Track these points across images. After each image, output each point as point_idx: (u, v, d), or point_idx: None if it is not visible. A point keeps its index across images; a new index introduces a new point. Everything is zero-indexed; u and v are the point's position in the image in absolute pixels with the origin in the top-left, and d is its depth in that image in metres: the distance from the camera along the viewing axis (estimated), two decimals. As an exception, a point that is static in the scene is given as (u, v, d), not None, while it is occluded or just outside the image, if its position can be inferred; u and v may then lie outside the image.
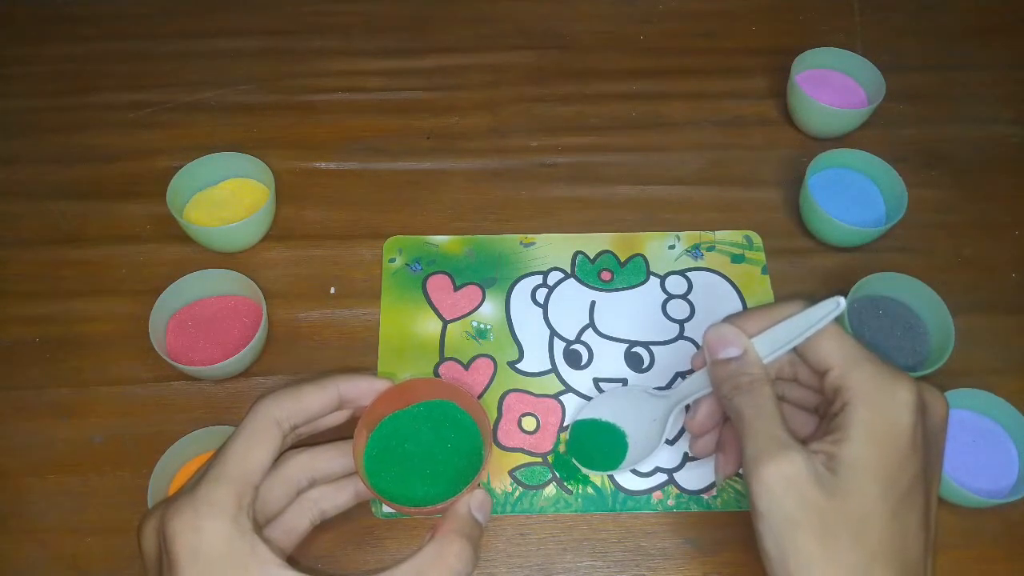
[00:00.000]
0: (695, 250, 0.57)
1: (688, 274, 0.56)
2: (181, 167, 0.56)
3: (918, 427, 0.36)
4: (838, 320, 0.38)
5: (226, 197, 0.58)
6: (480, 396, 0.52)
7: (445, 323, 0.54)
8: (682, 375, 0.52)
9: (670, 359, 0.53)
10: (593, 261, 0.57)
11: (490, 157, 0.62)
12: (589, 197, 0.60)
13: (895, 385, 0.36)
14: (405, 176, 0.61)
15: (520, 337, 0.54)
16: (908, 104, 0.65)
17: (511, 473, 0.49)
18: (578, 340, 0.54)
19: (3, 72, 0.67)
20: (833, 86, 0.64)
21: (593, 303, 0.55)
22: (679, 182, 0.61)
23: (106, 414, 0.51)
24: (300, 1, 0.71)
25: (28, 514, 0.48)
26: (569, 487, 0.49)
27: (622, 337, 0.54)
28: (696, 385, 0.44)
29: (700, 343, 0.53)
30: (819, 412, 0.42)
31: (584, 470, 0.48)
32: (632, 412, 0.48)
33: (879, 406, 0.36)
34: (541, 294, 0.55)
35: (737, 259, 0.57)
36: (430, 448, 0.43)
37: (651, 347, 0.54)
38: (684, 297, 0.55)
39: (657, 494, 0.48)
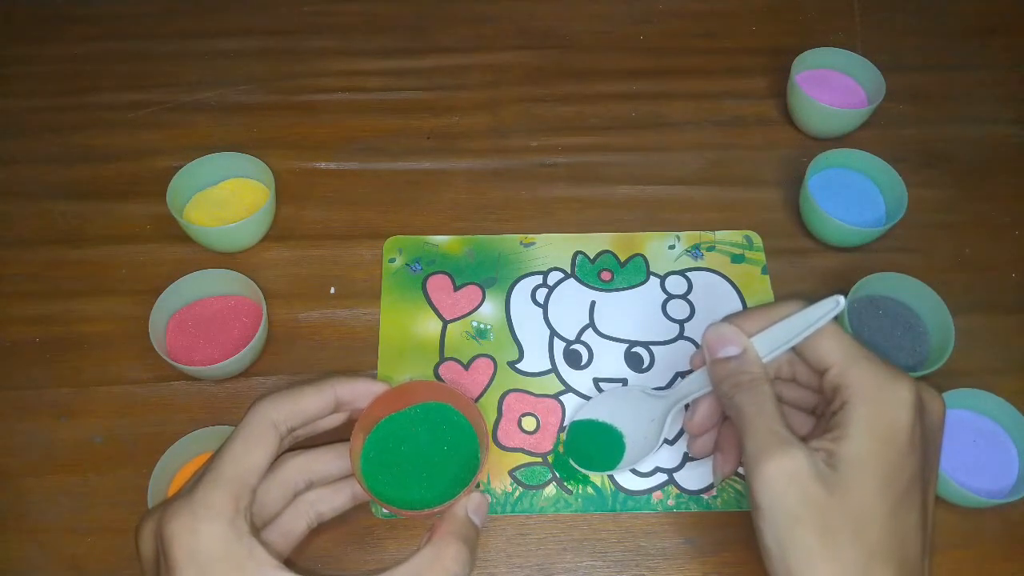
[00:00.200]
0: (695, 250, 0.57)
1: (688, 274, 0.56)
2: (181, 167, 0.56)
3: (917, 425, 0.36)
4: (837, 320, 0.38)
5: (226, 197, 0.58)
6: (480, 396, 0.52)
7: (445, 323, 0.54)
8: (682, 375, 0.52)
9: (670, 359, 0.53)
10: (593, 261, 0.57)
11: (490, 157, 0.62)
12: (589, 197, 0.60)
13: (895, 383, 0.36)
14: (405, 176, 0.61)
15: (520, 337, 0.54)
16: (908, 104, 0.65)
17: (511, 473, 0.49)
18: (578, 340, 0.54)
19: (3, 72, 0.67)
20: (833, 86, 0.64)
21: (593, 303, 0.55)
22: (679, 182, 0.61)
23: (106, 414, 0.51)
24: (300, 1, 0.71)
25: (28, 514, 0.48)
26: (569, 487, 0.49)
27: (622, 337, 0.54)
28: (695, 385, 0.44)
29: (700, 343, 0.53)
30: (815, 413, 0.42)
31: (581, 471, 0.48)
32: (630, 413, 0.48)
33: (879, 404, 0.36)
34: (541, 294, 0.55)
35: (737, 259, 0.57)
36: (427, 451, 0.43)
37: (651, 347, 0.54)
38: (684, 297, 0.55)
39: (657, 494, 0.48)
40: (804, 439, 0.36)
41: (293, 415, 0.39)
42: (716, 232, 0.58)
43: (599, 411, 0.49)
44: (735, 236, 0.58)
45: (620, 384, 0.52)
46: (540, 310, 0.55)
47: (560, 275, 0.56)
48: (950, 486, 0.46)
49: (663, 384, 0.52)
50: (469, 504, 0.39)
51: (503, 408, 0.51)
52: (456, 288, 0.56)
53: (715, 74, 0.67)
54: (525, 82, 0.66)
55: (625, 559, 0.47)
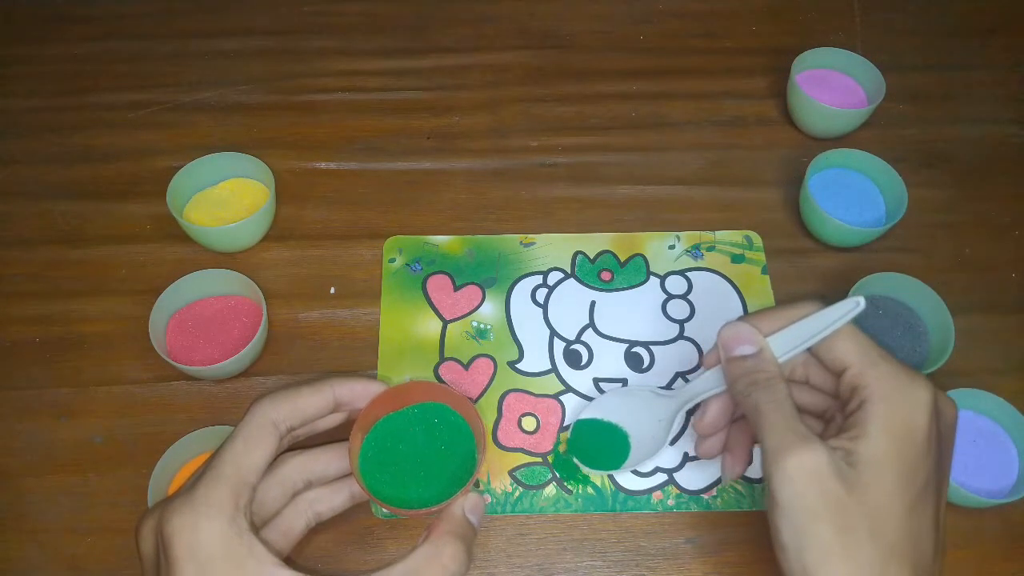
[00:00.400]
0: (695, 250, 0.57)
1: (688, 274, 0.56)
2: (181, 167, 0.56)
3: (933, 427, 0.36)
4: (854, 321, 0.38)
5: (226, 197, 0.58)
6: (480, 396, 0.52)
7: (445, 323, 0.54)
8: (682, 375, 0.52)
9: (670, 359, 0.53)
10: (593, 261, 0.57)
11: (490, 157, 0.62)
12: (589, 197, 0.60)
13: (913, 385, 0.36)
14: (405, 176, 0.61)
15: (520, 337, 0.54)
16: (908, 104, 0.65)
17: (511, 473, 0.49)
18: (578, 340, 0.54)
19: (3, 72, 0.67)
20: (833, 86, 0.64)
21: (593, 303, 0.55)
22: (679, 182, 0.61)
23: (106, 414, 0.51)
24: (300, 1, 0.71)
25: (28, 514, 0.48)
26: (569, 487, 0.49)
27: (622, 337, 0.54)
28: (704, 385, 0.43)
29: (700, 343, 0.54)
30: (825, 418, 0.42)
31: (584, 469, 0.48)
32: (637, 412, 0.48)
33: (897, 404, 0.36)
34: (541, 294, 0.55)
35: (737, 259, 0.57)
36: (424, 450, 0.43)
37: (651, 347, 0.54)
38: (684, 297, 0.55)
39: (657, 494, 0.48)
40: None
41: (292, 414, 0.39)
42: (716, 232, 0.58)
43: (604, 410, 0.49)
44: (735, 236, 0.58)
45: (620, 384, 0.52)
46: (540, 310, 0.55)
47: (560, 275, 0.56)
48: (950, 486, 0.46)
49: (663, 384, 0.52)
50: (466, 503, 0.39)
51: (503, 408, 0.51)
52: (456, 288, 0.56)
53: (715, 74, 0.67)
54: (525, 82, 0.66)
55: (625, 559, 0.47)
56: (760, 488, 0.49)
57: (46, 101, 0.65)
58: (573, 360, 0.53)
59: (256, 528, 0.37)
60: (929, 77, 0.67)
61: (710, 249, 0.57)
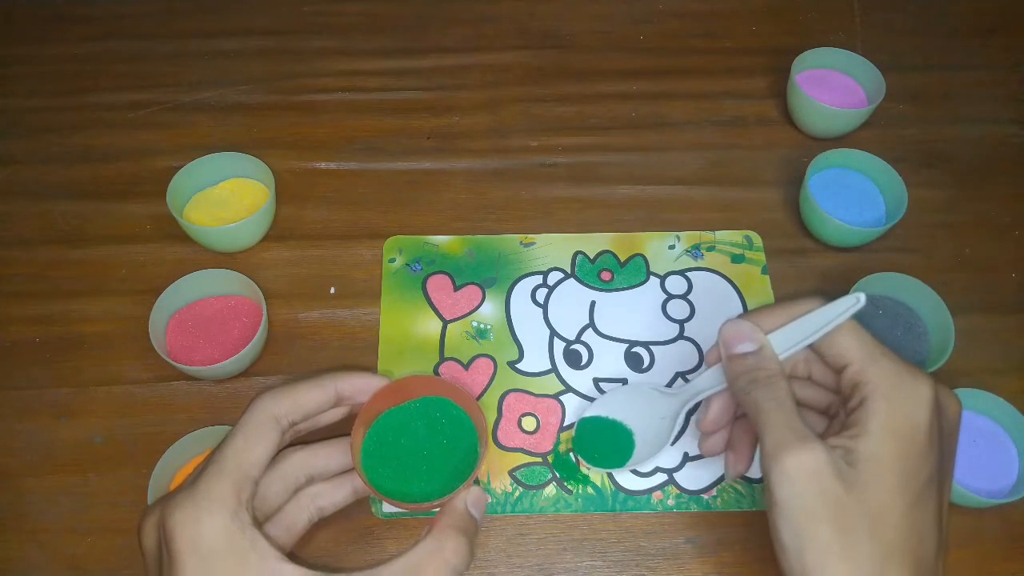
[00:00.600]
0: (695, 250, 0.57)
1: (688, 274, 0.56)
2: (181, 167, 0.56)
3: (935, 424, 0.36)
4: (855, 317, 0.38)
5: (226, 197, 0.58)
6: (480, 396, 0.52)
7: (445, 323, 0.54)
8: (682, 375, 0.52)
9: (670, 359, 0.53)
10: (593, 261, 0.57)
11: (490, 157, 0.62)
12: (589, 197, 0.60)
13: (914, 381, 0.36)
14: (405, 176, 0.61)
15: (520, 337, 0.54)
16: (908, 104, 0.65)
17: (511, 473, 0.49)
18: (578, 340, 0.54)
19: (3, 72, 0.67)
20: (833, 86, 0.64)
21: (593, 303, 0.55)
22: (679, 182, 0.61)
23: (106, 414, 0.51)
24: (300, 1, 0.71)
25: (28, 514, 0.48)
26: (569, 487, 0.49)
27: (622, 337, 0.54)
28: (707, 383, 0.43)
29: (700, 343, 0.54)
30: (828, 414, 0.42)
31: (589, 467, 0.48)
32: (640, 410, 0.48)
33: (898, 401, 0.36)
34: (541, 294, 0.55)
35: (737, 259, 0.57)
36: (426, 444, 0.43)
37: (651, 347, 0.54)
38: (684, 297, 0.55)
39: (657, 494, 0.48)
40: (820, 438, 0.36)
41: (294, 409, 0.39)
42: (716, 232, 0.58)
43: (608, 408, 0.49)
44: (735, 236, 0.58)
45: (620, 384, 0.52)
46: (540, 310, 0.55)
47: (560, 275, 0.56)
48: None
49: (663, 384, 0.52)
50: (469, 498, 0.39)
51: (503, 408, 0.51)
52: (456, 288, 0.56)
53: (715, 74, 0.67)
54: (525, 82, 0.66)
55: (625, 559, 0.47)
56: (760, 488, 0.49)
57: (46, 101, 0.65)
58: (573, 360, 0.53)
59: (259, 523, 0.37)
60: (929, 77, 0.67)
61: (710, 249, 0.57)
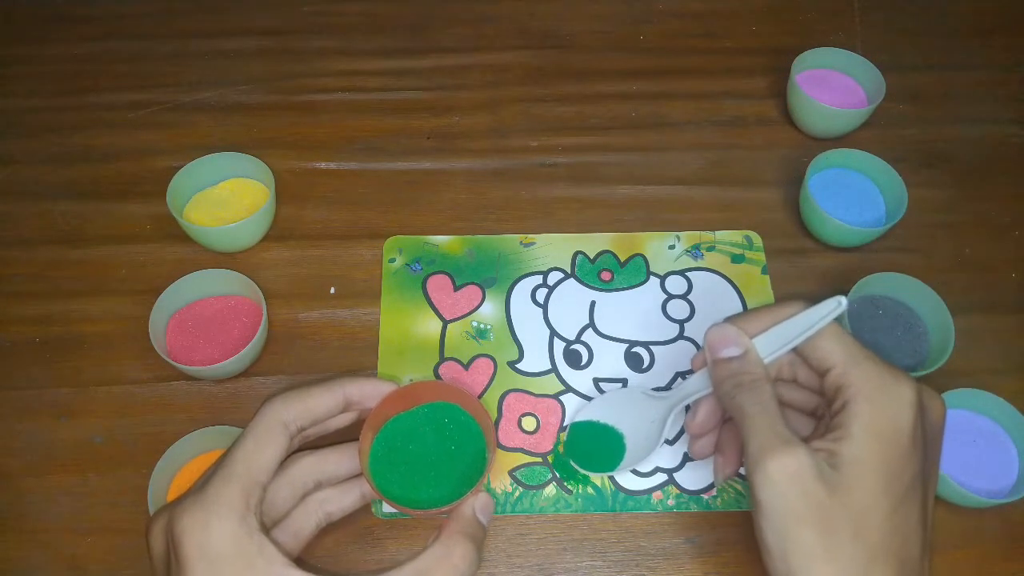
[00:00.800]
0: (695, 250, 0.57)
1: (688, 274, 0.56)
2: (181, 167, 0.56)
3: (918, 426, 0.36)
4: (838, 320, 0.38)
5: (226, 197, 0.58)
6: (480, 396, 0.52)
7: (445, 323, 0.54)
8: (682, 375, 0.52)
9: (670, 359, 0.53)
10: (593, 261, 0.57)
11: (490, 157, 0.62)
12: (589, 197, 0.60)
13: (896, 383, 0.36)
14: (405, 176, 0.61)
15: (520, 337, 0.54)
16: (908, 104, 0.65)
17: (511, 473, 0.49)
18: (578, 340, 0.54)
19: (3, 72, 0.67)
20: (833, 86, 0.64)
21: (593, 303, 0.55)
22: (679, 182, 0.61)
23: (106, 414, 0.51)
24: (300, 1, 0.71)
25: (28, 514, 0.48)
26: (569, 487, 0.49)
27: (622, 337, 0.54)
28: (696, 386, 0.44)
29: (700, 343, 0.53)
30: (816, 415, 0.42)
31: (581, 471, 0.48)
32: (630, 414, 0.48)
33: (880, 404, 0.36)
34: (541, 294, 0.55)
35: (737, 259, 0.57)
36: (434, 450, 0.43)
37: (651, 347, 0.54)
38: (684, 297, 0.55)
39: (657, 494, 0.48)
40: (805, 441, 0.36)
41: (303, 414, 0.39)
42: (716, 232, 0.58)
43: (599, 412, 0.49)
44: (735, 236, 0.58)
45: (620, 384, 0.52)
46: (540, 310, 0.55)
47: (560, 275, 0.56)
48: (950, 486, 0.46)
49: (663, 384, 0.52)
50: (476, 504, 0.39)
51: (503, 408, 0.51)
52: (456, 288, 0.56)
53: (715, 74, 0.67)
54: (525, 82, 0.66)
55: (625, 559, 0.47)
56: (760, 488, 0.49)
57: (46, 101, 0.65)
58: (573, 360, 0.53)
59: (266, 528, 0.37)
60: (929, 77, 0.67)
61: (710, 249, 0.57)
